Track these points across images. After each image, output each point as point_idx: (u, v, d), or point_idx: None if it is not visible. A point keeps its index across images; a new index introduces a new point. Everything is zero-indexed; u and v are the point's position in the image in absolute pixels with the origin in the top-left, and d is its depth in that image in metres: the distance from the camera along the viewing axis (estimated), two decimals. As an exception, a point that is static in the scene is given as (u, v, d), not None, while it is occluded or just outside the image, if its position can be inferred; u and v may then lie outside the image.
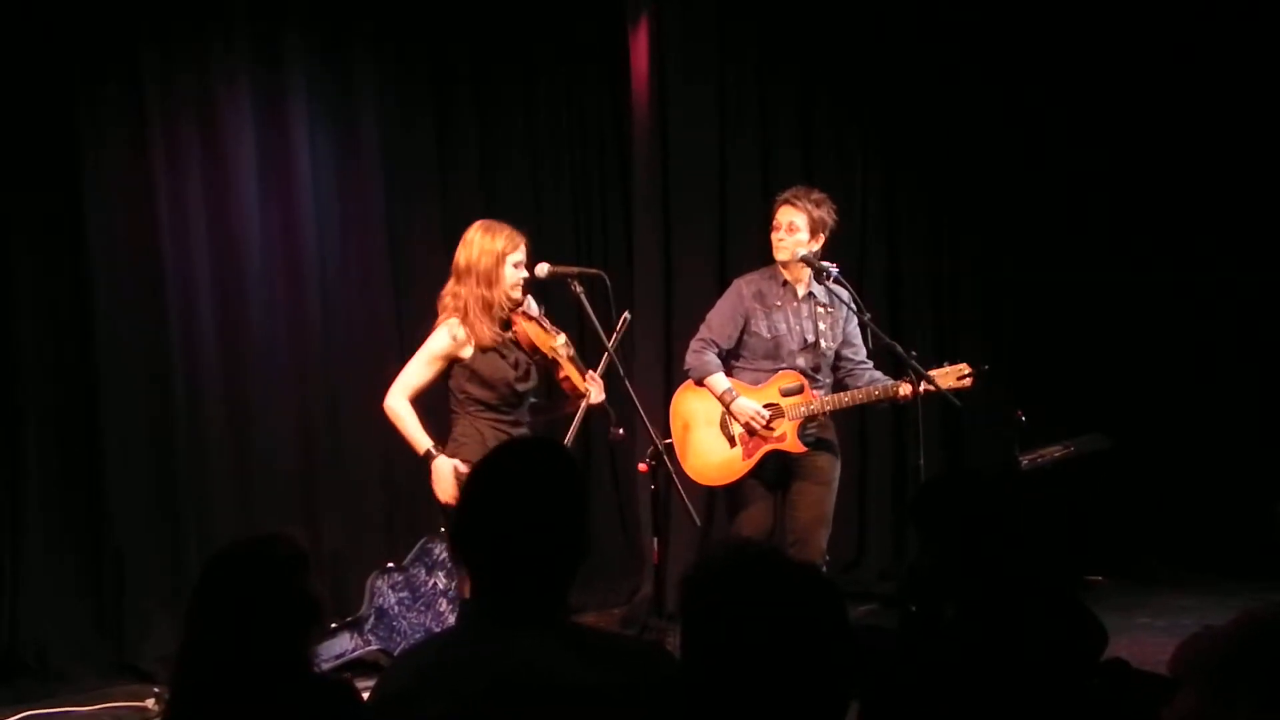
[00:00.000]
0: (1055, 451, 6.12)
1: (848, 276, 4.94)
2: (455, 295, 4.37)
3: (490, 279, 4.32)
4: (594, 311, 4.48)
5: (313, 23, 5.79)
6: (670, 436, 5.00)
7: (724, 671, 1.74)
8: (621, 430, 4.57)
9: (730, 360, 5.04)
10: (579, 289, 4.46)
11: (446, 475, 4.27)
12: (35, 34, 5.29)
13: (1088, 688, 2.47)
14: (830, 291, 5.03)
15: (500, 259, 4.33)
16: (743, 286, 5.06)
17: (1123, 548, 6.72)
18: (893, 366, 5.06)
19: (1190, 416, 6.68)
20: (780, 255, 4.97)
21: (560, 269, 4.54)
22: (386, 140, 5.96)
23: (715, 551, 1.90)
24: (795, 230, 4.92)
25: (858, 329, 5.13)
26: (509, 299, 4.37)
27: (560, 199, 6.48)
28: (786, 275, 5.01)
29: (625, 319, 4.60)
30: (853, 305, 4.91)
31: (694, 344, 5.05)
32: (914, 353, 4.86)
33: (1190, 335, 6.73)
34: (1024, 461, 6.00)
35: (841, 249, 6.46)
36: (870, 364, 5.14)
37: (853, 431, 6.73)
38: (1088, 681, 2.49)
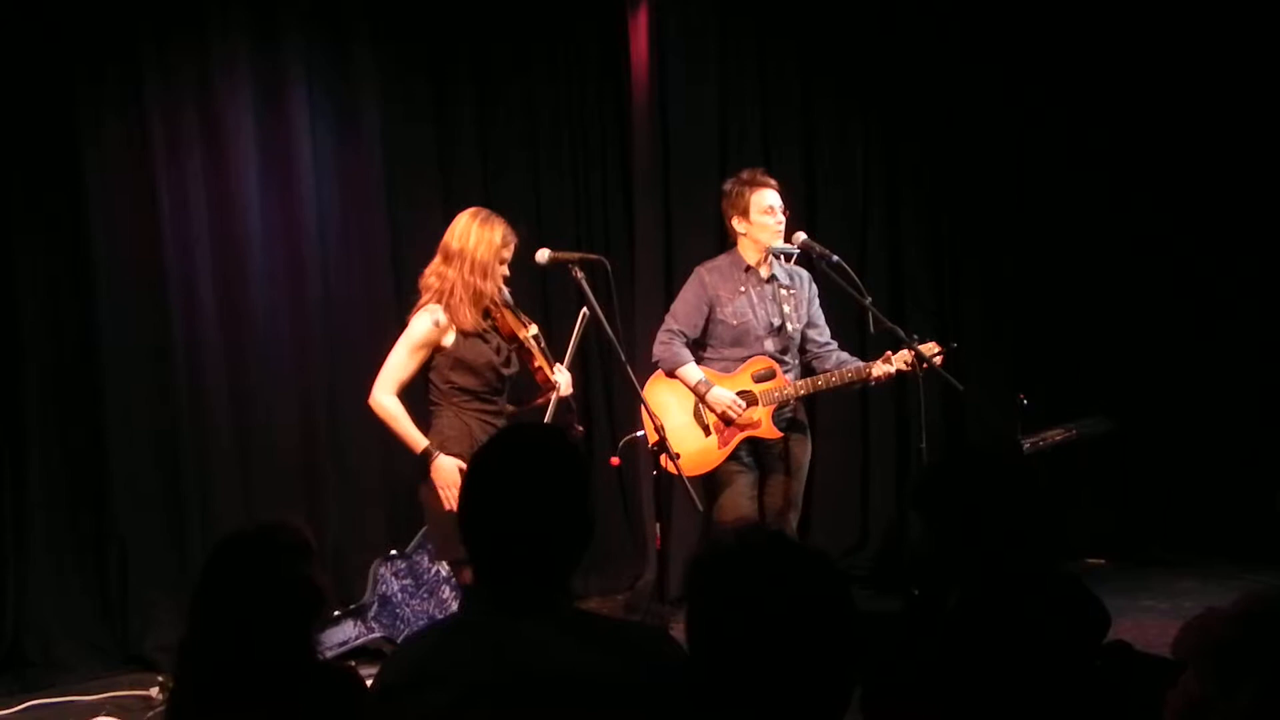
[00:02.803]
0: (1057, 434, 6.10)
1: (848, 260, 4.85)
2: (441, 276, 4.30)
3: (485, 271, 4.27)
4: (595, 297, 4.46)
5: (311, 12, 5.78)
6: (643, 429, 4.86)
7: (729, 656, 1.74)
8: (581, 429, 4.54)
9: (697, 350, 4.95)
10: (580, 275, 4.42)
11: (454, 477, 4.15)
12: (35, 32, 5.29)
13: (1091, 670, 2.48)
14: (791, 273, 4.97)
15: (497, 254, 4.29)
16: (704, 274, 4.95)
17: (1125, 530, 6.74)
18: (880, 351, 5.00)
19: (1192, 398, 6.68)
20: (776, 240, 4.85)
21: (561, 255, 4.49)
22: (386, 130, 5.95)
23: (722, 535, 1.90)
24: (785, 211, 4.88)
25: (820, 310, 5.08)
26: (497, 293, 4.33)
27: (561, 185, 6.45)
28: (749, 259, 4.92)
29: (584, 315, 4.48)
30: (852, 290, 4.81)
31: (661, 335, 4.95)
32: (915, 336, 4.84)
33: (1192, 318, 6.73)
34: (1026, 444, 5.99)
35: (843, 233, 6.49)
36: (835, 344, 5.07)
37: (855, 414, 6.73)
38: (1091, 664, 2.49)
